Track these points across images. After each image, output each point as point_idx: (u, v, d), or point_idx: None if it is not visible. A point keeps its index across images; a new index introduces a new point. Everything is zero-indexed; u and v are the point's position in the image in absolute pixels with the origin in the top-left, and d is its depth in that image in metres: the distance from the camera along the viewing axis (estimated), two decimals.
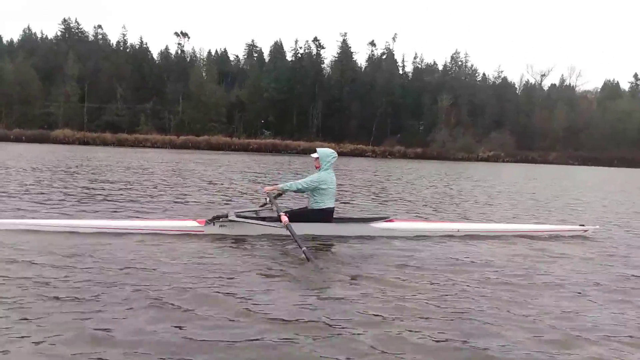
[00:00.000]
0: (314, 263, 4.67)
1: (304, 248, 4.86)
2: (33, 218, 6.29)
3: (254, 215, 6.25)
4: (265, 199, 6.23)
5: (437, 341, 3.01)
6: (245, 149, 52.69)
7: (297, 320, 3.23)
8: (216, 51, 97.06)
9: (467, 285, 4.22)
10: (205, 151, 46.51)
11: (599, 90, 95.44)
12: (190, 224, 6.02)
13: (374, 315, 3.38)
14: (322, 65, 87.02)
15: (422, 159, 57.69)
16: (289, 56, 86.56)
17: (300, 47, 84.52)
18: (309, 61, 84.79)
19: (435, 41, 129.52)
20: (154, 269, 4.25)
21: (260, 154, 47.92)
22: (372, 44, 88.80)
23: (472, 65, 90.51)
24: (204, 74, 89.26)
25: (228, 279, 4.10)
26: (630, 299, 4.08)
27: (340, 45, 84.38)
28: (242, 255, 5.03)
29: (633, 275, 4.86)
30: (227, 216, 5.84)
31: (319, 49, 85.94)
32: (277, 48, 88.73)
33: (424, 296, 3.87)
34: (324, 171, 6.18)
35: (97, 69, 73.04)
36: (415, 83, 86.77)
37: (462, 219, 8.50)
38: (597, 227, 7.27)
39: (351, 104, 77.76)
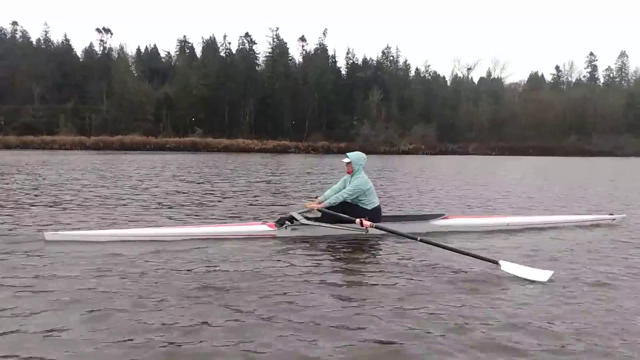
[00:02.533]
0: (416, 238, 4.95)
1: (419, 238, 5.05)
2: (103, 229, 6.15)
3: (317, 217, 6.24)
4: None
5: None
6: (162, 148, 51.61)
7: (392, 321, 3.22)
8: (146, 48, 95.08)
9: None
10: (118, 152, 45.15)
11: (525, 82, 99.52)
12: (262, 228, 6.01)
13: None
14: (256, 61, 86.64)
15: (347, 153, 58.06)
16: (222, 52, 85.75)
17: (230, 43, 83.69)
18: (240, 57, 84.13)
19: (367, 37, 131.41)
20: (238, 271, 4.32)
21: (180, 152, 46.95)
22: (303, 39, 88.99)
23: (405, 61, 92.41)
24: (133, 71, 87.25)
25: (310, 281, 4.14)
26: None
27: (272, 40, 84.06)
28: (321, 256, 5.07)
29: None
30: (296, 219, 5.88)
31: (250, 45, 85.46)
32: (210, 44, 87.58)
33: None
34: (358, 174, 6.22)
35: (13, 68, 69.87)
36: (347, 79, 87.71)
37: (511, 213, 8.64)
38: (624, 215, 7.81)
39: (283, 100, 77.72)
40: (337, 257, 5.11)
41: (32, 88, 68.05)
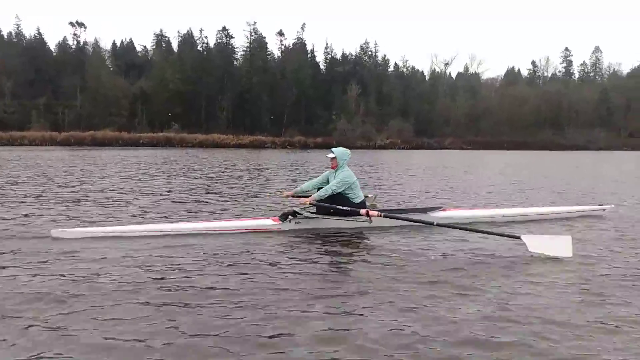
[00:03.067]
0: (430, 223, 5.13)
1: (435, 222, 5.26)
2: (108, 225, 6.12)
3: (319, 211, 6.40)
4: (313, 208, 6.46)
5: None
6: (135, 143, 50.99)
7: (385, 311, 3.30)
8: (121, 42, 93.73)
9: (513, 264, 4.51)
10: (90, 148, 44.53)
11: (502, 77, 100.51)
12: (267, 222, 6.11)
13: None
14: (234, 56, 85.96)
15: (324, 148, 58.02)
16: (200, 47, 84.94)
17: (207, 37, 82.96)
18: (217, 51, 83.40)
19: (345, 32, 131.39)
20: (246, 265, 4.41)
21: (154, 148, 46.49)
22: (281, 33, 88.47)
23: (385, 56, 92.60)
24: (109, 66, 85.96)
25: (313, 272, 4.24)
26: None
27: (249, 34, 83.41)
28: (325, 248, 5.20)
29: None
30: (299, 213, 6.02)
31: (227, 39, 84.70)
32: (187, 38, 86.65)
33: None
34: (343, 169, 6.39)
35: None
36: (326, 74, 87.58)
37: (506, 205, 8.87)
38: (613, 205, 7.99)
39: (261, 95, 77.29)
40: (344, 248, 5.24)
41: (3, 83, 66.53)
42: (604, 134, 71.30)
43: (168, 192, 10.42)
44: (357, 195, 6.31)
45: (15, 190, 9.98)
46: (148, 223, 6.42)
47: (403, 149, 61.78)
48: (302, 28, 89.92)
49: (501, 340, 2.85)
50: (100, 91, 69.89)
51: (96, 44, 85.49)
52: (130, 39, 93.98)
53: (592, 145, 66.98)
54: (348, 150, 6.61)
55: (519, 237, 4.79)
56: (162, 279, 3.96)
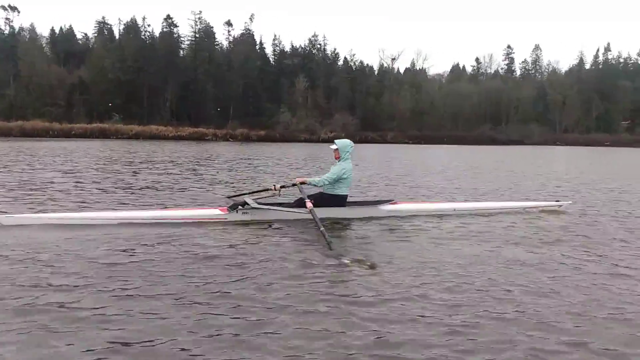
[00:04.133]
0: (329, 244, 4.84)
1: (322, 229, 5.14)
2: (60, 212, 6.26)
3: (272, 202, 6.55)
4: (274, 186, 6.63)
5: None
6: (68, 135, 49.05)
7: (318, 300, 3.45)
8: (60, 28, 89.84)
9: (464, 259, 4.62)
10: (17, 139, 42.43)
11: (448, 73, 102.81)
12: (214, 212, 6.18)
13: (390, 291, 3.66)
14: (181, 46, 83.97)
15: (267, 141, 57.72)
16: (143, 35, 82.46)
17: (149, 25, 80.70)
18: (161, 41, 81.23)
19: (294, 25, 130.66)
20: (185, 256, 4.43)
21: (87, 140, 44.77)
22: (229, 24, 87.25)
23: (334, 50, 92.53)
24: (48, 53, 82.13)
25: (253, 263, 4.32)
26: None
27: (194, 24, 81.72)
28: (266, 239, 5.29)
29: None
30: (248, 203, 6.05)
31: (171, 28, 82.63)
32: (131, 26, 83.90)
33: (432, 271, 4.23)
34: (344, 161, 6.47)
35: None
36: (274, 66, 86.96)
37: (457, 200, 8.94)
38: (570, 202, 8.08)
39: (206, 86, 75.93)
40: (277, 240, 5.31)
41: None
42: (539, 129, 74.14)
43: (113, 183, 10.40)
44: (339, 188, 6.45)
45: None
46: (97, 210, 6.50)
47: None
48: (250, 19, 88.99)
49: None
50: (34, 80, 66.78)
51: (32, 30, 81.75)
52: (70, 26, 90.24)
53: (527, 140, 69.59)
54: (351, 142, 6.66)
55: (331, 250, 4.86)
56: (106, 265, 4.06)
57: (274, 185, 6.72)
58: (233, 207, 6.09)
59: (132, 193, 8.79)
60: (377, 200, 7.17)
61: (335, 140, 6.70)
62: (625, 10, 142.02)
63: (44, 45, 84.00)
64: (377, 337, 2.88)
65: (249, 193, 7.41)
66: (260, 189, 7.72)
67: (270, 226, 5.93)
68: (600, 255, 4.98)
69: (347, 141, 6.65)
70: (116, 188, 9.40)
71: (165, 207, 7.03)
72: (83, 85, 71.34)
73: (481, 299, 3.57)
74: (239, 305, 3.30)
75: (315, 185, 6.36)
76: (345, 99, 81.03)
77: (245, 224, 5.98)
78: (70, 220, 5.67)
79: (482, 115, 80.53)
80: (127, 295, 3.42)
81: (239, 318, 3.09)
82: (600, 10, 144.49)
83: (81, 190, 8.95)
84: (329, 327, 3.01)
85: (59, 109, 65.60)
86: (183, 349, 2.67)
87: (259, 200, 6.36)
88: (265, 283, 3.76)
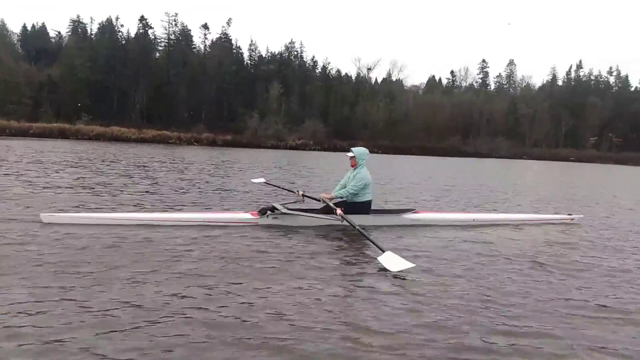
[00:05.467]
0: (379, 247, 4.93)
1: (366, 233, 5.37)
2: (94, 212, 6.56)
3: (300, 208, 6.77)
4: (297, 191, 7.31)
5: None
6: (25, 134, 48.08)
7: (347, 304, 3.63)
8: (32, 26, 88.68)
9: (485, 267, 4.88)
10: None
11: (424, 84, 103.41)
12: (246, 216, 6.40)
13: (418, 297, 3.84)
14: (158, 47, 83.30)
15: (233, 146, 57.24)
16: (119, 35, 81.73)
17: (122, 25, 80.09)
18: (135, 41, 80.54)
19: (271, 30, 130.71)
20: (220, 257, 4.66)
21: (42, 139, 43.87)
22: (206, 27, 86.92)
23: (313, 57, 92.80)
24: (19, 50, 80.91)
25: (280, 264, 4.55)
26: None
27: (168, 25, 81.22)
28: (296, 243, 5.50)
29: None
30: (278, 209, 6.32)
31: (145, 29, 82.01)
32: (107, 26, 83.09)
33: (452, 278, 4.44)
34: (361, 168, 6.66)
35: None
36: (249, 71, 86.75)
37: (478, 210, 9.26)
38: (582, 215, 8.45)
39: (179, 89, 75.39)
40: (310, 244, 5.52)
41: None
42: (507, 142, 74.82)
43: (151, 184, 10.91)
44: (364, 195, 6.64)
45: None
46: (132, 212, 6.80)
47: (315, 150, 62.01)
48: (227, 23, 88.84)
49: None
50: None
51: (2, 26, 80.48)
52: (43, 24, 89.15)
53: (495, 153, 70.16)
54: (367, 150, 6.84)
55: (383, 251, 4.89)
56: (137, 265, 4.22)
57: (297, 191, 7.28)
58: (263, 212, 6.37)
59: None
60: (400, 209, 7.46)
61: (352, 149, 6.84)
62: (597, 28, 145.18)
63: (15, 42, 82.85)
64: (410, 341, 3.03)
65: (276, 186, 8.86)
66: (285, 186, 8.71)
67: (300, 231, 6.20)
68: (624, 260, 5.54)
69: (363, 149, 6.86)
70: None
71: (201, 211, 7.35)
72: (52, 84, 70.33)
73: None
74: (282, 306, 3.49)
75: (341, 198, 6.57)
76: (319, 106, 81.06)
77: (276, 227, 6.27)
78: (107, 220, 5.94)
79: (454, 127, 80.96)
80: (151, 293, 3.58)
81: (279, 318, 3.26)
82: (574, 28, 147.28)
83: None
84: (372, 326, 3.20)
85: (25, 108, 64.50)
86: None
87: (287, 206, 6.66)
88: (305, 285, 3.98)
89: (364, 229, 5.84)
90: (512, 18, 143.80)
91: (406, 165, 31.25)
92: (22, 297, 3.33)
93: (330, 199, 6.57)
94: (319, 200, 6.82)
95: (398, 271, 4.51)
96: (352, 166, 6.81)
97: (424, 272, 4.61)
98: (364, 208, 6.65)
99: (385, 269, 4.55)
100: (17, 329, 2.89)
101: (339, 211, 6.06)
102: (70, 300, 3.34)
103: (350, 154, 6.79)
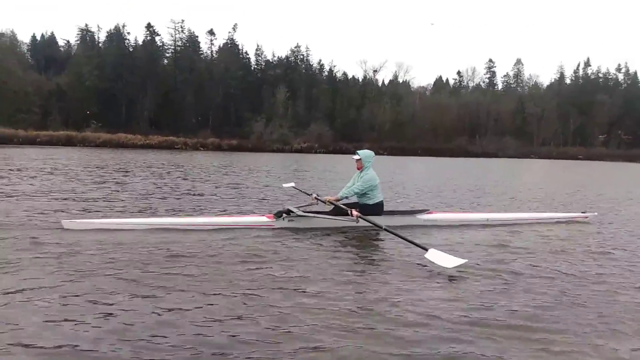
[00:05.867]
0: (419, 245, 5.06)
1: (384, 226, 5.54)
2: (114, 217, 6.67)
3: (316, 210, 6.93)
4: (312, 194, 7.28)
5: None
6: (32, 142, 48.82)
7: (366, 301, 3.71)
8: (42, 35, 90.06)
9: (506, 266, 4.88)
10: None
11: (432, 86, 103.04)
12: (262, 219, 6.54)
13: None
14: (166, 54, 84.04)
15: (239, 151, 57.58)
16: (127, 43, 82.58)
17: (129, 33, 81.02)
18: (142, 49, 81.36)
19: (277, 35, 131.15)
20: (241, 260, 4.75)
21: (49, 147, 44.53)
22: (212, 33, 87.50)
23: (320, 60, 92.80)
24: (30, 59, 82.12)
25: (299, 265, 4.65)
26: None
27: (174, 32, 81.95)
28: (313, 244, 5.62)
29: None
30: (293, 212, 6.44)
31: (152, 36, 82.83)
32: (116, 34, 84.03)
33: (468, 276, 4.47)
34: (367, 170, 6.77)
35: None
36: (256, 76, 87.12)
37: (491, 210, 9.21)
38: (596, 213, 8.37)
39: (186, 96, 76.00)
40: (327, 245, 5.61)
41: None
42: (515, 142, 74.27)
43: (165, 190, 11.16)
44: (375, 197, 6.72)
45: None
46: (150, 217, 6.95)
47: (320, 153, 62.10)
48: (233, 28, 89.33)
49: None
50: (8, 86, 66.56)
51: (13, 36, 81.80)
52: (52, 33, 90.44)
53: (502, 153, 69.68)
54: (372, 153, 6.99)
55: (426, 249, 4.98)
56: (161, 269, 4.32)
57: (312, 194, 7.35)
58: (279, 215, 6.46)
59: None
60: (414, 210, 7.50)
61: (358, 151, 6.94)
62: (606, 26, 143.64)
63: (25, 51, 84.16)
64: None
65: (301, 190, 9.00)
66: (301, 189, 9.03)
67: (317, 233, 6.26)
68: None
69: (368, 152, 6.99)
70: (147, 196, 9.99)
71: (218, 214, 7.52)
72: (60, 92, 71.29)
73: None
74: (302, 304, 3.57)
75: (345, 197, 6.67)
76: (326, 109, 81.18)
77: (292, 230, 6.36)
78: (126, 225, 6.04)
79: (462, 127, 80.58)
80: (173, 296, 3.66)
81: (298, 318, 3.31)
82: (582, 26, 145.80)
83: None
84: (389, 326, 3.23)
85: (34, 117, 65.44)
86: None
87: (302, 209, 6.78)
88: (323, 286, 4.01)
89: (380, 229, 5.94)
90: (519, 17, 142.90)
91: (408, 167, 31.08)
92: (45, 303, 3.40)
93: (336, 200, 6.69)
94: (325, 203, 6.92)
95: (454, 267, 4.55)
96: (358, 169, 6.92)
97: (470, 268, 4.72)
98: (376, 209, 6.71)
99: (432, 266, 4.70)
100: (39, 331, 2.95)
101: (354, 212, 6.18)
102: (93, 303, 3.42)
103: (356, 157, 6.87)
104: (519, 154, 69.91)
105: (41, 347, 2.75)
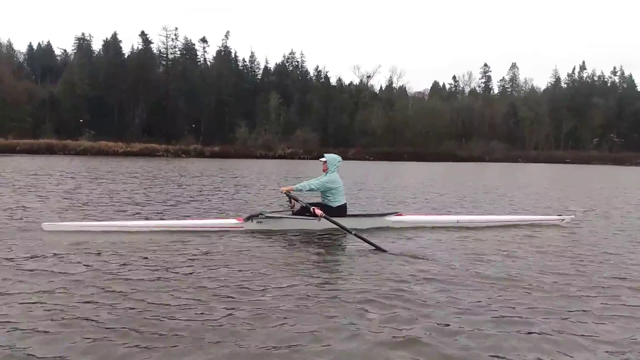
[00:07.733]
0: (370, 242, 5.53)
1: (353, 232, 5.74)
2: (92, 221, 7.05)
3: (285, 211, 7.16)
4: (289, 201, 7.09)
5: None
6: (12, 150, 49.51)
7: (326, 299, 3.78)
8: (39, 44, 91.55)
9: (467, 270, 4.78)
10: None
11: (428, 90, 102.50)
12: (231, 222, 6.73)
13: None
14: (162, 62, 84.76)
15: (222, 157, 57.71)
16: (126, 51, 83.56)
17: (121, 41, 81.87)
18: (135, 57, 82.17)
19: (270, 41, 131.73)
20: (208, 261, 4.87)
21: (31, 155, 45.11)
22: (204, 40, 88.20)
23: (317, 67, 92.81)
24: (27, 67, 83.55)
25: (268, 267, 4.73)
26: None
27: (165, 40, 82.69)
28: (280, 246, 5.84)
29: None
30: (262, 214, 6.62)
31: (145, 44, 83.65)
32: (112, 43, 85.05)
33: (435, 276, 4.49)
34: (331, 173, 6.97)
35: None
36: (248, 82, 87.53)
37: (461, 212, 9.27)
38: (572, 216, 8.17)
39: (179, 103, 76.57)
40: (289, 246, 5.89)
41: None
42: (502, 145, 73.51)
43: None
44: (337, 200, 6.90)
45: None
46: (123, 220, 7.28)
47: (304, 159, 61.99)
48: (226, 36, 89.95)
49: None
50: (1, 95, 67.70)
51: (9, 45, 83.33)
52: (49, 42, 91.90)
53: (489, 157, 68.99)
54: (339, 157, 7.20)
55: (385, 251, 5.37)
56: (132, 271, 4.42)
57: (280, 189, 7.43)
58: (249, 218, 6.65)
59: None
60: (383, 212, 7.58)
61: (325, 155, 7.20)
62: (601, 30, 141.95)
63: (21, 61, 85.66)
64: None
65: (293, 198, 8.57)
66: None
67: (284, 234, 6.46)
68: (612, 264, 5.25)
69: (335, 155, 7.23)
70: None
71: (188, 217, 7.69)
72: (53, 100, 72.22)
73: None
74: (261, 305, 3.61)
75: (300, 190, 6.84)
76: (318, 115, 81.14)
77: (261, 232, 6.51)
78: (103, 227, 6.38)
79: (454, 132, 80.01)
80: (141, 297, 3.72)
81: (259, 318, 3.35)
82: (577, 30, 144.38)
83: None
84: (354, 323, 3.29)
85: (25, 125, 66.36)
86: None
87: (272, 211, 7.07)
88: (285, 284, 4.11)
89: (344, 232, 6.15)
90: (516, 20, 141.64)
91: (374, 172, 30.79)
92: (27, 306, 3.42)
93: (289, 191, 6.90)
94: (281, 193, 7.19)
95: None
96: (323, 171, 7.12)
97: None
98: (340, 212, 6.83)
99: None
100: (24, 333, 2.97)
101: (318, 212, 6.30)
102: (73, 306, 3.44)
103: (322, 159, 7.11)
104: (507, 157, 69.21)
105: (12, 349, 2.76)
